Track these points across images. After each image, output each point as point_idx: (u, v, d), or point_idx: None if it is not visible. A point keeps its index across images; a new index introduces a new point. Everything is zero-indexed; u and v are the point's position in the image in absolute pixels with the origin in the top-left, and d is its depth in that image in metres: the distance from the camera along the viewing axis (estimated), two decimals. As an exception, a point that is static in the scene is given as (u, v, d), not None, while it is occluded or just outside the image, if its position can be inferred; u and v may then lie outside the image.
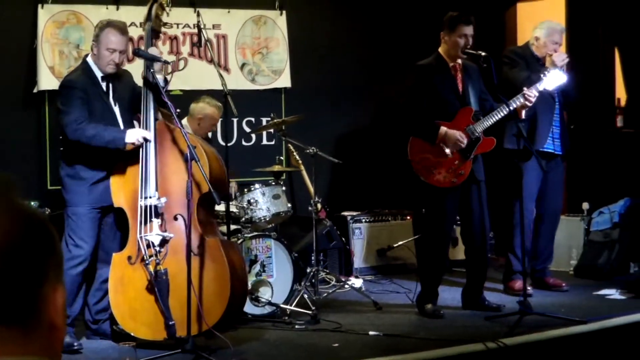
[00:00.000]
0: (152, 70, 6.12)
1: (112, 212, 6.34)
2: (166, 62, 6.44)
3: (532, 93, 7.07)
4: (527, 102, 7.06)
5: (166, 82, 6.24)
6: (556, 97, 7.84)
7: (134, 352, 5.46)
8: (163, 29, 7.32)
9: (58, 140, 6.40)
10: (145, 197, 6.10)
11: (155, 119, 6.22)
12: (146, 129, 6.15)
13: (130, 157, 6.20)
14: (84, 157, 6.18)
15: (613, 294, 7.70)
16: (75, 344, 6.15)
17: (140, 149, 6.11)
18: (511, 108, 7.00)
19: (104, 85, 6.24)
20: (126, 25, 6.45)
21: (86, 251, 6.21)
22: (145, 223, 6.09)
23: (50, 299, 1.27)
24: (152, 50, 6.24)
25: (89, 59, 6.28)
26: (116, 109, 6.29)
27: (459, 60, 7.19)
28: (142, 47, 6.58)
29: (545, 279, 8.06)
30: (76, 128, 6.01)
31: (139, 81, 6.39)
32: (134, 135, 6.07)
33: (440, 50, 7.21)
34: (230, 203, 7.22)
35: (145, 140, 6.08)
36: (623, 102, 9.82)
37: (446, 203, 7.12)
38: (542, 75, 7.34)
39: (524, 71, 7.65)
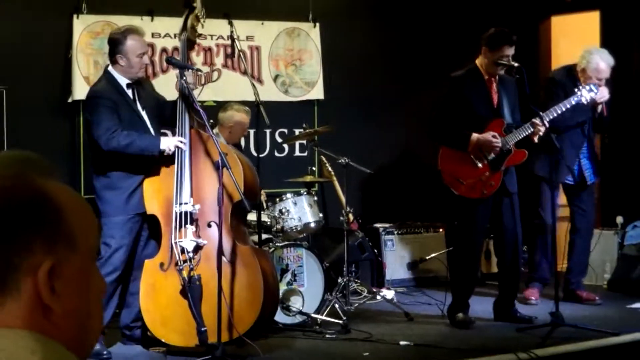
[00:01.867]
0: (184, 78, 6.16)
1: (146, 223, 6.37)
2: (198, 70, 6.50)
3: (539, 123, 7.00)
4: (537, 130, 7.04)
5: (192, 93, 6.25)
6: (588, 132, 7.81)
7: (164, 357, 5.47)
8: (197, 40, 7.37)
9: (89, 154, 6.38)
10: (180, 204, 6.14)
11: (191, 127, 6.26)
12: (181, 135, 6.20)
13: (162, 164, 6.25)
14: (119, 166, 6.20)
15: (646, 307, 7.65)
16: (105, 352, 6.14)
17: (175, 156, 6.16)
18: (545, 120, 6.97)
19: (129, 92, 6.28)
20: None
21: (122, 257, 6.22)
22: (179, 229, 6.12)
23: (33, 272, 1.26)
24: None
25: (111, 69, 6.29)
26: (144, 116, 6.33)
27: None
28: (177, 58, 6.64)
29: (578, 293, 8.01)
30: (109, 137, 6.04)
31: (167, 94, 6.44)
32: (168, 143, 6.13)
33: (477, 62, 7.17)
34: (262, 212, 7.24)
35: (179, 147, 6.12)
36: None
37: (477, 214, 7.11)
38: (575, 90, 7.32)
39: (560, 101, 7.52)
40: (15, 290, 1.26)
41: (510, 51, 7.00)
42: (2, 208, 1.26)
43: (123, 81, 6.26)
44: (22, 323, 1.25)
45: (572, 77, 7.81)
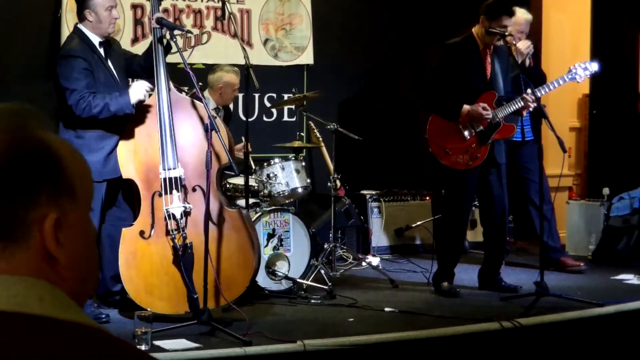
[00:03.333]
0: (174, 39, 6.08)
1: (120, 187, 6.25)
2: (188, 32, 6.41)
3: (529, 98, 6.99)
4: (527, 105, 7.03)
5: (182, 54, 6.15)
6: (522, 86, 7.78)
7: (149, 322, 5.44)
8: (187, 2, 7.34)
9: (61, 115, 6.12)
10: (168, 169, 6.06)
11: (169, 89, 6.16)
12: (159, 95, 6.06)
13: (135, 123, 6.14)
14: (93, 125, 6.01)
15: (631, 279, 7.69)
16: (103, 315, 6.08)
17: (157, 120, 6.07)
18: (537, 94, 6.97)
19: (101, 51, 6.14)
20: None
21: (96, 223, 6.08)
22: (163, 195, 6.05)
23: (39, 224, 1.29)
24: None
25: (81, 26, 6.12)
26: (116, 75, 6.20)
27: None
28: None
29: (562, 260, 8.04)
30: (83, 107, 5.87)
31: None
32: (137, 92, 5.96)
33: (474, 30, 7.12)
34: (250, 177, 7.22)
35: (147, 90, 5.99)
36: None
37: (465, 184, 7.11)
38: (572, 69, 7.41)
39: None
40: (24, 241, 1.29)
41: (509, 22, 6.98)
42: (7, 162, 1.28)
43: (95, 39, 6.09)
44: (30, 271, 1.29)
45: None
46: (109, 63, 6.18)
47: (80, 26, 6.15)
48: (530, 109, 7.05)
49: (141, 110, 6.13)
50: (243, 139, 7.07)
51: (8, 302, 1.25)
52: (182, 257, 5.94)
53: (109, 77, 6.13)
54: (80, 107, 5.89)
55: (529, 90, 6.97)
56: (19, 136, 1.30)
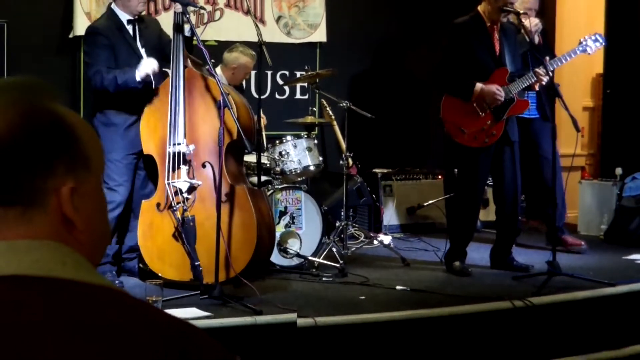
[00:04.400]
0: (187, 15, 6.12)
1: (142, 163, 6.39)
2: (201, 8, 6.45)
3: (542, 73, 6.95)
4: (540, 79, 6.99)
5: (193, 32, 6.24)
6: (531, 64, 7.72)
7: (160, 290, 5.50)
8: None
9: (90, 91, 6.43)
10: (174, 144, 6.12)
11: (185, 66, 6.22)
12: (176, 74, 6.18)
13: (159, 103, 6.23)
14: (113, 103, 6.23)
15: (643, 259, 7.67)
16: (117, 281, 6.22)
17: (170, 96, 6.14)
18: (549, 68, 6.93)
19: (129, 29, 6.27)
20: None
21: (122, 195, 6.26)
22: (173, 170, 6.12)
23: (55, 191, 1.31)
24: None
25: (113, 6, 6.32)
26: (143, 53, 6.30)
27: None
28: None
29: (563, 238, 8.02)
30: (96, 80, 6.11)
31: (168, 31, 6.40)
32: (144, 68, 6.10)
33: (479, 8, 7.12)
34: (262, 154, 7.22)
35: (153, 68, 6.11)
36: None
37: (479, 163, 7.09)
38: (582, 40, 7.34)
39: None
40: (42, 206, 1.31)
41: None
42: (24, 133, 1.30)
43: (124, 17, 6.25)
44: (50, 236, 1.31)
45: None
46: (137, 43, 6.30)
47: (112, 5, 6.35)
48: (543, 83, 6.99)
49: (163, 89, 6.29)
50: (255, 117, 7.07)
51: (31, 266, 1.27)
52: (184, 230, 6.03)
53: (132, 55, 6.26)
54: (95, 79, 6.14)
55: (541, 66, 6.93)
56: (34, 108, 1.32)
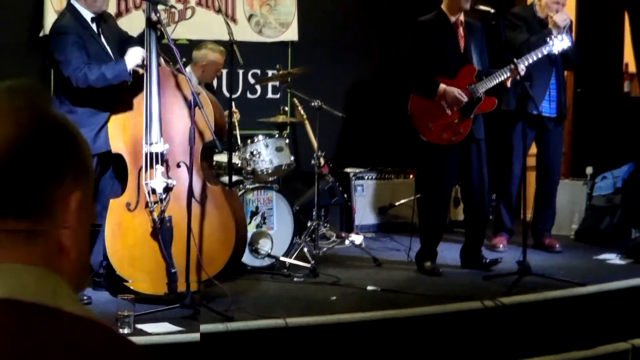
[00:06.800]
0: (158, 13, 6.07)
1: (110, 163, 6.27)
2: (172, 7, 6.39)
3: (521, 67, 6.99)
4: (515, 74, 7.01)
5: (163, 30, 6.17)
6: (555, 59, 7.76)
7: (132, 305, 5.41)
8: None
9: (57, 92, 6.21)
10: (150, 144, 6.06)
11: (158, 64, 6.16)
12: (149, 71, 6.08)
13: (127, 101, 6.16)
14: (86, 102, 6.10)
15: (613, 258, 7.68)
16: (85, 297, 6.03)
17: (144, 94, 6.07)
18: (519, 67, 6.95)
19: (94, 26, 6.17)
20: None
21: None
22: (148, 169, 6.06)
23: (63, 201, 1.28)
24: None
25: (74, 2, 6.16)
26: (109, 50, 6.22)
27: (462, 18, 7.15)
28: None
29: (542, 239, 8.08)
30: (79, 76, 5.93)
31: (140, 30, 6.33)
32: (134, 57, 6.01)
33: (442, 6, 7.17)
34: (233, 154, 7.19)
35: (143, 58, 6.03)
36: (631, 67, 9.76)
37: (446, 161, 7.10)
38: (547, 40, 7.32)
39: (523, 34, 7.62)
40: (48, 217, 1.28)
41: None
42: (35, 140, 1.27)
43: (87, 15, 6.13)
44: (43, 262, 1.28)
45: (530, 11, 7.94)
46: (102, 39, 6.20)
47: (73, 2, 6.18)
48: (518, 78, 7.00)
49: (132, 87, 6.17)
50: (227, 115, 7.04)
51: (24, 292, 1.24)
52: (160, 230, 5.94)
53: (100, 52, 6.15)
54: (76, 76, 5.94)
55: (511, 64, 6.96)
56: (38, 113, 1.29)
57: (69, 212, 1.29)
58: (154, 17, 6.09)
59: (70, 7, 6.20)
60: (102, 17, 6.26)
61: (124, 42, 6.34)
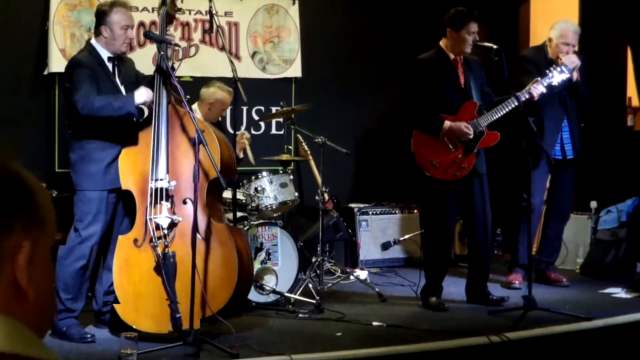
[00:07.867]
0: (162, 53, 6.12)
1: (120, 199, 6.30)
2: (177, 45, 6.43)
3: (538, 89, 7.07)
4: (531, 98, 7.09)
5: (173, 68, 6.22)
6: (566, 102, 7.81)
7: (135, 343, 5.39)
8: (176, 15, 7.27)
9: (66, 123, 6.31)
10: (156, 180, 6.08)
11: (168, 103, 6.19)
12: (158, 113, 6.12)
13: (139, 136, 6.20)
14: (95, 136, 6.13)
15: (619, 292, 7.67)
16: (88, 335, 6.06)
17: (152, 131, 6.10)
18: (521, 100, 6.98)
19: (109, 66, 6.23)
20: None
21: (100, 230, 6.16)
22: (154, 205, 6.07)
23: (11, 254, 1.30)
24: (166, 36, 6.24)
25: (93, 42, 6.26)
26: (122, 90, 6.26)
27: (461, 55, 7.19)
28: (156, 32, 6.56)
29: (547, 273, 8.07)
30: (86, 102, 5.97)
31: (145, 68, 6.38)
32: (142, 95, 6.06)
33: (441, 43, 7.22)
34: (237, 190, 7.20)
35: (150, 97, 6.08)
36: (634, 102, 9.77)
37: (448, 197, 7.11)
38: (547, 72, 7.35)
39: (533, 77, 7.64)
40: None
41: (475, 27, 7.06)
42: None
43: (104, 54, 6.21)
44: (3, 308, 1.29)
45: (542, 53, 7.96)
46: (116, 78, 6.25)
47: (92, 42, 6.29)
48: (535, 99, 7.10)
49: (144, 125, 6.25)
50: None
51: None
52: (164, 266, 5.94)
53: (112, 90, 6.19)
54: (83, 102, 5.98)
55: (512, 97, 7.00)
56: None
57: (18, 265, 1.30)
58: (163, 61, 6.14)
59: (88, 46, 6.30)
60: (120, 59, 6.32)
61: (139, 83, 6.39)
